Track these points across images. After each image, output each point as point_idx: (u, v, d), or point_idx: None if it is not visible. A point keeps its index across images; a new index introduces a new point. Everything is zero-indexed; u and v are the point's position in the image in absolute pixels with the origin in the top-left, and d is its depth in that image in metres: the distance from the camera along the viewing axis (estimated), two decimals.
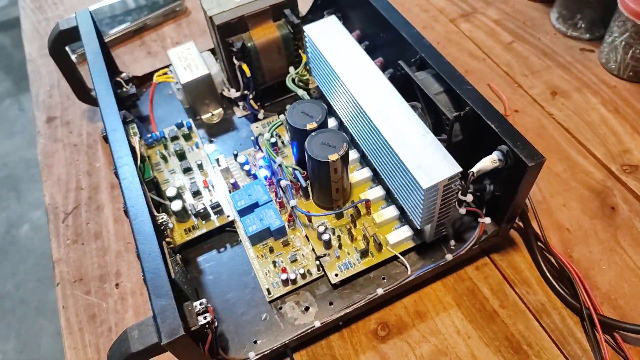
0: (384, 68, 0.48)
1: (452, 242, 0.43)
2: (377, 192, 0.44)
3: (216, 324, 0.36)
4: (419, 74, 0.42)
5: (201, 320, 0.34)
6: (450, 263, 0.42)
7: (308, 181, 0.44)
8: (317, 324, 0.39)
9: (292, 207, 0.43)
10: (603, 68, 0.56)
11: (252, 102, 0.51)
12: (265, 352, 0.38)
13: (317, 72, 0.47)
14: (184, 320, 0.33)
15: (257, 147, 0.49)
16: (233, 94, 0.52)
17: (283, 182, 0.44)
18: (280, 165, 0.44)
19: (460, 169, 0.35)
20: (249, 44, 0.48)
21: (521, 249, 0.44)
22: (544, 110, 0.53)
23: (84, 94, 0.54)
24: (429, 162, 0.35)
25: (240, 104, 0.54)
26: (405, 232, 0.42)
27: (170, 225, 0.41)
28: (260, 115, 0.52)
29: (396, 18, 0.44)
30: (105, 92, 0.43)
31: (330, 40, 0.44)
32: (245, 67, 0.48)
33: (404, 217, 0.43)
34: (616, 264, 0.42)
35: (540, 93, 0.54)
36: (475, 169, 0.37)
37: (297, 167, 0.44)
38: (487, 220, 0.41)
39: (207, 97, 0.52)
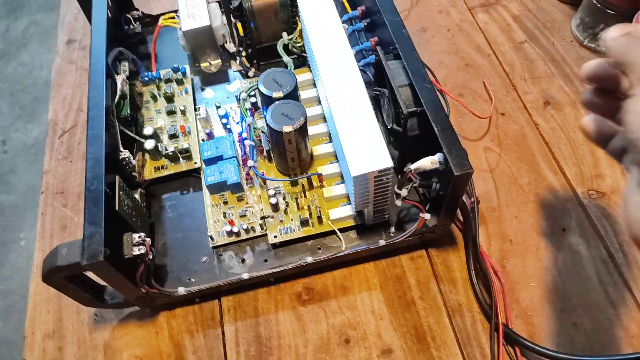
0: (374, 50, 0.49)
1: (392, 229, 0.45)
2: (335, 168, 0.46)
3: (151, 256, 0.40)
4: (392, 62, 0.43)
5: (135, 251, 0.38)
6: (383, 248, 0.44)
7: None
8: (246, 275, 0.43)
9: (249, 167, 0.46)
10: None
11: (244, 59, 0.53)
12: (194, 291, 0.42)
13: (305, 42, 0.48)
14: (118, 248, 0.38)
15: (239, 103, 0.52)
16: (232, 47, 0.55)
17: (247, 142, 0.46)
18: (249, 125, 0.47)
19: (392, 165, 0.36)
20: (247, 5, 0.49)
21: (459, 250, 0.46)
22: (530, 119, 0.52)
23: None
24: (366, 152, 0.37)
25: (238, 58, 0.56)
26: (347, 211, 0.44)
27: (133, 162, 0.45)
28: (251, 73, 0.54)
29: (385, 3, 0.45)
30: (97, 31, 0.46)
31: (317, 16, 0.45)
32: (239, 25, 0.50)
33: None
34: (545, 285, 0.43)
35: (533, 100, 0.53)
36: (412, 166, 0.38)
37: (265, 131, 0.47)
38: (427, 216, 0.42)
39: (207, 47, 0.55)
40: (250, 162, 0.45)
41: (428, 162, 0.38)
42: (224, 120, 0.50)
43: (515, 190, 0.48)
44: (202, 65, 0.56)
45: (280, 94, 0.43)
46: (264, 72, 0.45)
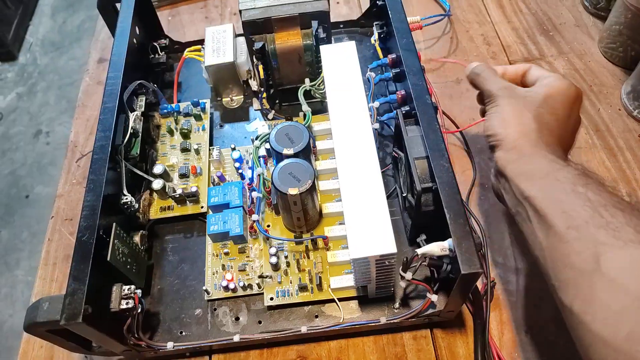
0: (401, 103, 0.46)
1: (397, 304, 0.42)
2: (343, 230, 0.44)
3: (139, 310, 0.39)
4: (412, 129, 0.40)
5: (123, 305, 0.37)
6: (383, 325, 0.41)
7: None
8: (237, 338, 0.41)
9: (253, 221, 0.44)
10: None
11: (264, 100, 0.51)
12: (182, 347, 0.41)
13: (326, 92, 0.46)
14: (106, 299, 0.36)
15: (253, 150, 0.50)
16: (254, 85, 0.53)
17: (255, 194, 0.45)
18: (259, 175, 0.45)
19: (395, 251, 0.34)
20: (270, 47, 0.47)
21: (467, 334, 0.42)
22: None
23: None
24: (370, 233, 0.34)
25: (260, 98, 0.54)
26: (350, 280, 0.41)
27: (136, 206, 0.44)
28: (270, 116, 0.52)
29: (411, 62, 0.42)
30: (115, 67, 0.45)
31: (339, 68, 0.43)
32: (260, 68, 0.48)
33: None
34: None
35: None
36: (420, 251, 0.35)
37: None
38: (434, 297, 0.39)
39: (230, 82, 0.54)
40: (255, 217, 0.44)
41: (437, 248, 0.35)
42: (237, 164, 0.49)
43: (537, 275, 0.44)
44: (224, 100, 0.55)
45: (290, 151, 0.41)
46: (277, 126, 0.43)
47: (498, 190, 0.38)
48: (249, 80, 0.54)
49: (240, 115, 0.54)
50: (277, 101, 0.53)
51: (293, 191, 0.39)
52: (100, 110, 0.43)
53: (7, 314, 1.18)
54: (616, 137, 0.51)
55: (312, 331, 0.40)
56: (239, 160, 0.49)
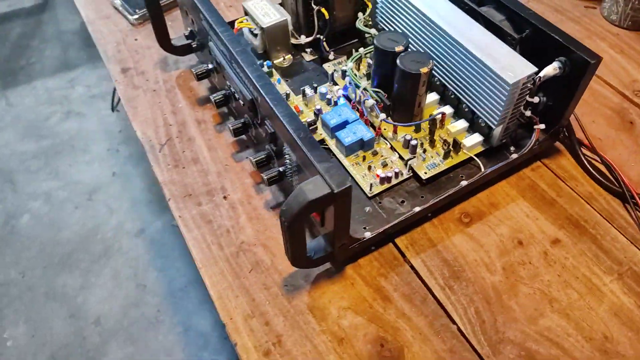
0: None
1: (512, 148, 0.51)
2: (446, 109, 0.52)
3: None
4: (481, 8, 0.51)
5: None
6: (514, 162, 0.50)
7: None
8: (417, 209, 0.46)
9: (381, 120, 0.50)
10: (606, 20, 0.67)
11: (324, 44, 0.58)
12: (380, 231, 0.45)
13: (389, 13, 0.55)
14: None
15: (332, 82, 0.57)
16: (303, 39, 0.59)
17: (370, 102, 0.51)
18: (365, 89, 0.52)
19: (536, 69, 0.44)
20: None
21: (565, 154, 0.53)
22: None
23: (166, 42, 0.59)
24: (509, 64, 0.44)
25: (308, 49, 0.61)
26: (477, 137, 0.50)
27: None
28: (331, 57, 0.59)
29: None
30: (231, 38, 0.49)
31: None
32: (324, 10, 0.55)
33: (471, 128, 0.51)
34: None
35: None
36: (541, 73, 0.46)
37: (378, 90, 0.52)
38: (542, 126, 0.50)
39: (280, 42, 0.59)
40: (382, 116, 0.50)
41: (550, 69, 0.46)
42: (328, 96, 0.54)
43: (581, 104, 0.58)
44: (276, 61, 0.60)
45: (401, 47, 0.49)
46: (376, 36, 0.50)
47: None
48: (292, 40, 0.60)
49: (296, 69, 0.60)
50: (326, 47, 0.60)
51: (424, 70, 0.47)
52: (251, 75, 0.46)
53: None
54: (571, 11, 0.68)
55: (472, 181, 0.48)
56: (326, 94, 0.55)
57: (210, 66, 0.55)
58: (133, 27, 0.69)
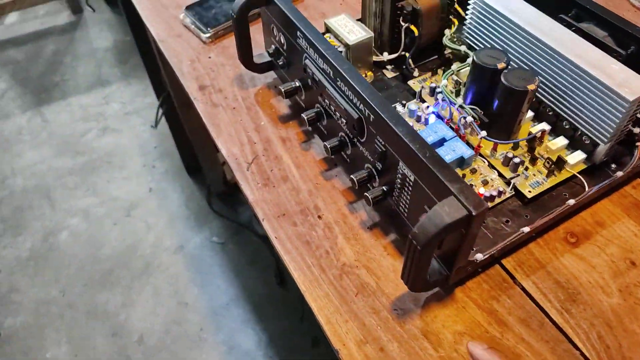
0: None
1: (613, 166, 0.50)
2: (543, 126, 0.51)
3: None
4: (581, 25, 0.50)
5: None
6: (619, 180, 0.49)
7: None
8: (525, 229, 0.45)
9: (481, 138, 0.49)
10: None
11: (410, 61, 0.57)
12: (492, 253, 0.43)
13: (481, 29, 0.54)
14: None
15: (419, 99, 0.56)
16: (385, 56, 0.59)
17: (469, 119, 0.50)
18: (461, 106, 0.51)
19: None
20: (417, 8, 0.54)
21: None
22: None
23: (248, 59, 0.59)
24: (625, 80, 0.43)
25: (389, 66, 0.60)
26: (580, 154, 0.49)
27: None
28: (416, 73, 0.58)
29: None
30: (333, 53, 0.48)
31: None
32: (413, 27, 0.55)
33: (572, 146, 0.50)
34: None
35: None
36: None
37: (474, 107, 0.51)
38: None
39: (363, 59, 0.58)
40: (482, 133, 0.49)
41: None
42: (418, 114, 0.54)
43: None
44: None
45: (503, 64, 0.48)
46: (476, 53, 0.49)
47: None
48: (374, 58, 0.59)
49: (379, 86, 0.59)
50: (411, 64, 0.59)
51: (531, 87, 0.46)
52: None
53: None
54: None
55: (579, 199, 0.47)
56: (416, 111, 0.54)
57: (297, 84, 0.55)
58: (205, 45, 0.69)
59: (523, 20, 0.50)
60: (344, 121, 0.47)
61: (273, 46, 0.58)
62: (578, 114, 0.47)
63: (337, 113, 0.48)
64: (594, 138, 0.47)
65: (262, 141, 0.57)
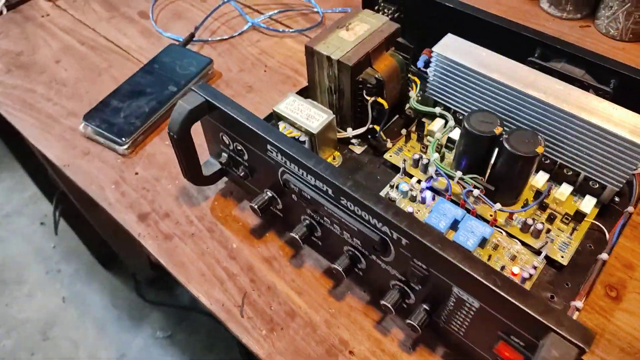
0: None
1: (617, 199, 0.48)
2: (542, 177, 0.48)
3: None
4: (552, 64, 0.48)
5: None
6: (630, 215, 0.47)
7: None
8: (578, 304, 0.41)
9: (495, 211, 0.44)
10: (605, 37, 0.68)
11: (381, 133, 0.51)
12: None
13: (450, 87, 0.49)
14: None
15: (403, 174, 0.50)
16: (350, 132, 0.52)
17: (475, 192, 0.45)
18: (461, 179, 0.46)
19: None
20: (378, 76, 0.48)
21: None
22: None
23: (197, 175, 0.49)
24: (632, 124, 0.41)
25: (354, 141, 0.53)
26: (591, 200, 0.46)
27: None
28: (389, 144, 0.52)
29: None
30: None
31: (461, 53, 0.47)
32: (381, 100, 0.48)
33: (577, 191, 0.47)
34: None
35: None
36: None
37: (475, 175, 0.46)
38: None
39: (327, 141, 0.51)
40: (497, 206, 0.44)
41: None
42: (411, 193, 0.48)
43: None
44: (328, 160, 0.52)
45: (499, 128, 0.44)
46: (465, 119, 0.44)
47: None
48: (342, 130, 0.53)
49: (350, 165, 0.52)
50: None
51: (539, 150, 0.42)
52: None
53: None
54: (570, 33, 0.68)
55: (609, 250, 0.44)
56: (407, 190, 0.48)
57: (269, 194, 0.46)
58: (125, 158, 0.56)
59: (496, 72, 0.46)
60: (357, 241, 0.40)
61: (224, 154, 0.48)
62: (585, 164, 0.45)
63: (342, 230, 0.41)
64: (606, 183, 0.44)
65: (243, 270, 0.47)
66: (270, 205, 0.46)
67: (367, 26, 0.50)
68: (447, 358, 0.41)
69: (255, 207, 0.45)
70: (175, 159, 0.47)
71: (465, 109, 0.50)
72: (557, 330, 0.29)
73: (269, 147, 0.41)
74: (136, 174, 0.55)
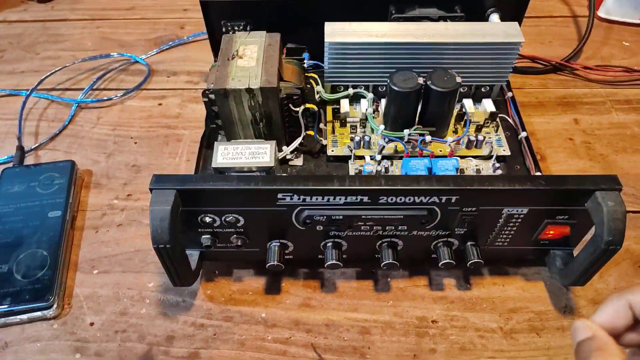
0: None
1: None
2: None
3: None
4: (412, 13, 0.55)
5: None
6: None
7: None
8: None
9: (448, 144, 0.51)
10: None
11: (317, 136, 0.52)
12: None
13: (349, 66, 0.52)
14: None
15: (354, 159, 0.52)
16: (287, 150, 0.51)
17: (428, 138, 0.50)
18: (410, 134, 0.50)
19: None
20: (301, 86, 0.49)
21: None
22: None
23: (188, 273, 0.42)
24: (502, 31, 0.51)
25: (290, 155, 0.53)
26: (489, 101, 0.56)
27: None
28: (324, 141, 0.53)
29: None
30: None
31: (346, 34, 0.51)
32: (311, 105, 0.49)
33: (474, 99, 0.57)
34: None
35: None
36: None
37: (416, 126, 0.51)
38: None
39: (278, 167, 0.50)
40: (449, 139, 0.50)
41: None
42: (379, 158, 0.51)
43: None
44: None
45: (421, 79, 0.49)
46: (389, 84, 0.48)
47: None
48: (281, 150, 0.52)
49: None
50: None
51: (459, 79, 0.49)
52: None
53: None
54: None
55: None
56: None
57: (276, 244, 0.43)
58: (61, 319, 0.45)
59: (382, 36, 0.51)
60: (403, 227, 0.41)
61: (205, 237, 0.43)
62: (477, 76, 0.54)
63: (373, 229, 0.42)
64: (494, 83, 0.55)
65: (292, 330, 0.44)
66: (284, 252, 0.44)
67: (255, 46, 0.49)
68: (493, 273, 0.47)
69: (275, 263, 0.42)
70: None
71: (367, 80, 0.54)
72: (600, 187, 0.37)
73: (280, 195, 0.38)
74: (91, 324, 0.44)
